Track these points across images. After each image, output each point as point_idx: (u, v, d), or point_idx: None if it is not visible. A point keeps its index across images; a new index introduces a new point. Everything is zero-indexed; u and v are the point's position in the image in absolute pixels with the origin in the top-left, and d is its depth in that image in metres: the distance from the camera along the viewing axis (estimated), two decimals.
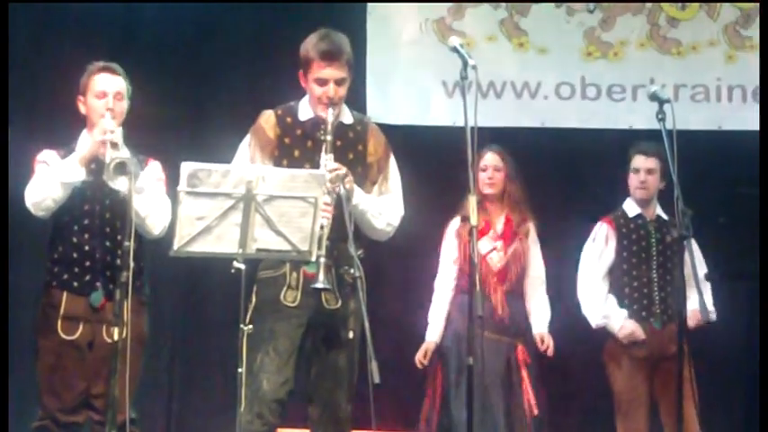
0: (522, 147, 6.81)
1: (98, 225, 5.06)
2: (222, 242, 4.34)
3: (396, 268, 7.11)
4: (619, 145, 6.86)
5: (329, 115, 4.76)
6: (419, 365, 6.20)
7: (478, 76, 4.62)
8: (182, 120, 7.28)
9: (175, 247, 4.33)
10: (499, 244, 6.21)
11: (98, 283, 5.04)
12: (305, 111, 4.92)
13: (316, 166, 4.71)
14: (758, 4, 7.43)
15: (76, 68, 5.24)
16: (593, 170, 7.36)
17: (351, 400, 4.85)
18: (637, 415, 6.06)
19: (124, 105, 5.13)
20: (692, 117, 7.21)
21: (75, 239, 5.06)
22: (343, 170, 4.70)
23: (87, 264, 5.05)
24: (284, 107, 4.98)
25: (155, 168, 5.22)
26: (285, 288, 4.81)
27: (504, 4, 7.52)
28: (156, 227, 5.06)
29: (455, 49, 4.72)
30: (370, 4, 7.47)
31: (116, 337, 4.73)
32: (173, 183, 4.41)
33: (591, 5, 7.52)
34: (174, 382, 7.31)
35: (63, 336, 5.02)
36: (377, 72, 7.37)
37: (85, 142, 5.07)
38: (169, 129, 7.01)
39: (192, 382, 7.33)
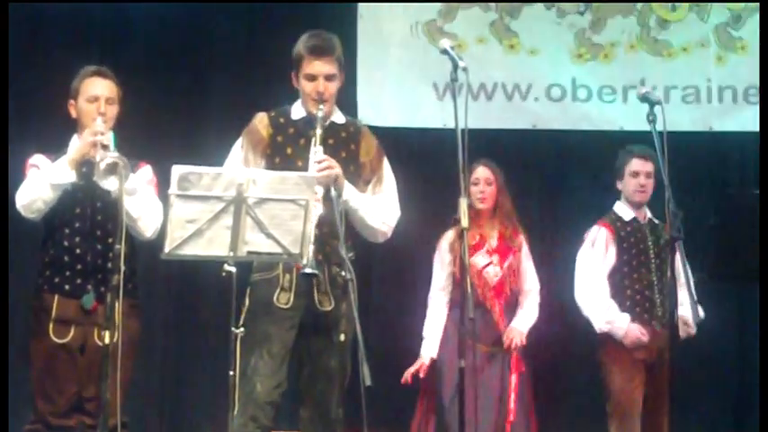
0: (513, 149, 6.82)
1: (89, 228, 5.06)
2: (213, 245, 4.34)
3: (386, 270, 7.11)
4: (610, 147, 6.88)
5: (319, 110, 4.78)
6: (405, 381, 6.10)
7: (469, 78, 4.63)
8: (173, 123, 7.28)
9: (166, 250, 4.33)
10: (495, 258, 6.17)
11: (89, 286, 5.03)
12: (297, 111, 4.94)
13: (308, 163, 4.72)
14: (747, 5, 7.45)
15: (67, 72, 5.24)
16: (583, 172, 7.38)
17: (342, 403, 4.85)
18: (633, 417, 6.05)
19: (115, 110, 5.13)
20: (682, 118, 7.23)
21: (66, 242, 5.05)
22: (333, 163, 4.70)
23: (79, 267, 5.04)
24: (277, 109, 5.00)
25: (146, 171, 5.22)
26: (278, 290, 4.81)
27: (493, 6, 7.52)
28: (148, 229, 5.05)
29: (445, 51, 4.73)
30: (360, 6, 7.47)
31: (106, 340, 4.73)
32: (164, 186, 4.41)
33: (581, 6, 7.53)
34: (165, 386, 7.30)
35: (54, 339, 5.01)
36: (367, 74, 7.37)
37: (76, 145, 5.07)
38: (161, 132, 7.01)
39: (183, 384, 7.32)
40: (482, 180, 6.21)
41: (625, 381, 6.04)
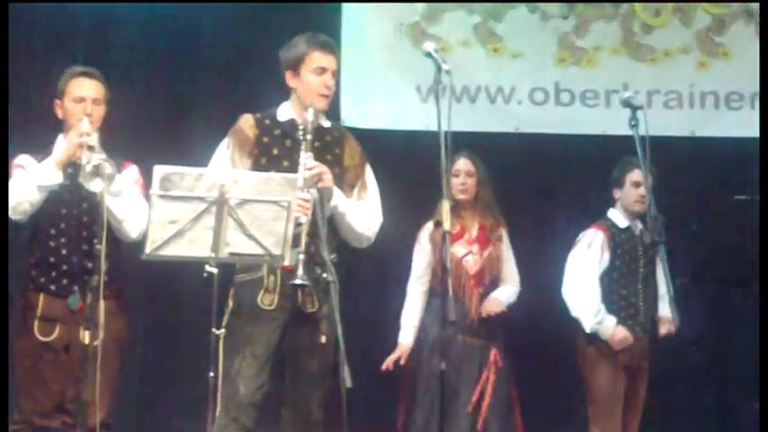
0: (496, 152, 6.83)
1: (75, 229, 5.05)
2: (195, 246, 4.34)
3: (368, 272, 7.10)
4: (592, 151, 6.90)
5: (310, 114, 4.76)
6: (386, 367, 6.14)
7: (452, 81, 4.65)
8: (159, 124, 7.25)
9: (148, 250, 4.32)
10: (474, 248, 6.21)
11: (76, 287, 5.03)
12: (284, 112, 4.94)
13: (295, 163, 4.72)
14: (732, 11, 7.48)
15: (53, 72, 5.23)
16: (566, 176, 7.40)
17: (323, 405, 4.85)
18: (615, 419, 6.09)
19: (102, 110, 5.12)
20: (665, 123, 7.24)
21: (52, 243, 5.05)
22: (324, 169, 4.71)
23: (64, 268, 5.04)
24: (263, 111, 4.99)
25: (132, 172, 5.22)
26: (262, 291, 4.81)
27: (477, 7, 7.53)
28: (133, 230, 5.04)
29: (429, 54, 4.75)
30: (345, 8, 7.47)
31: (87, 340, 4.72)
32: (150, 186, 4.40)
33: (565, 10, 7.54)
34: (147, 387, 7.28)
35: (39, 337, 5.02)
36: (351, 76, 7.33)
37: (62, 146, 5.06)
38: (146, 133, 6.98)
39: (165, 386, 7.31)
40: (463, 172, 6.25)
41: (608, 383, 6.09)
